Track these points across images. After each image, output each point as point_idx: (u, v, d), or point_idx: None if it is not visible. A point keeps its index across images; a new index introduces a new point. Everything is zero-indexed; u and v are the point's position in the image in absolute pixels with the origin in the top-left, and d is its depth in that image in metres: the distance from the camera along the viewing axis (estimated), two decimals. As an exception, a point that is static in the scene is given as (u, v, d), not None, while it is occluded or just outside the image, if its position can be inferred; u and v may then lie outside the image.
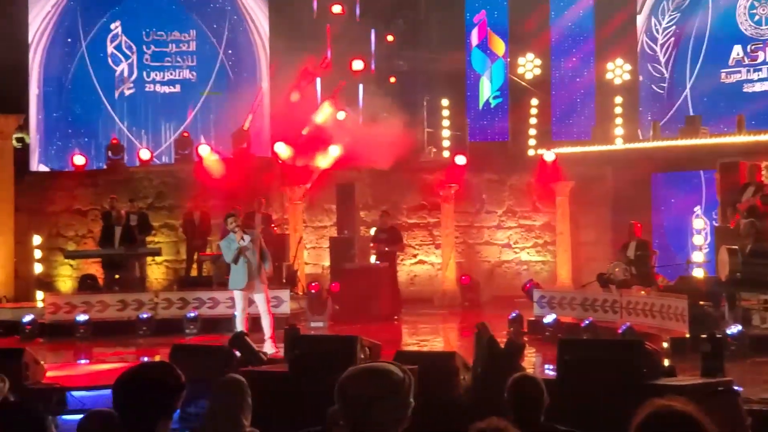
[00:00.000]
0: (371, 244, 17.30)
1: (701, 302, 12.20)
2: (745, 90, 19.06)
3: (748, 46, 19.13)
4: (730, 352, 10.20)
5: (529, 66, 20.24)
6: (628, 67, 19.82)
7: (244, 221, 14.41)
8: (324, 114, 19.13)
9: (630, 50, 20.09)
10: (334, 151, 18.41)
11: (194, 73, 21.44)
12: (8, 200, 18.80)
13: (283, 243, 17.71)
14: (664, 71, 20.09)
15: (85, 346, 14.11)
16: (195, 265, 18.15)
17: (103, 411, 4.66)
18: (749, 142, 16.71)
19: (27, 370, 8.99)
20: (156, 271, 19.19)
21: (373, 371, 2.86)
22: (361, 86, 20.14)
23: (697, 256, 17.11)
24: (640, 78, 20.15)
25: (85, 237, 19.37)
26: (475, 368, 7.91)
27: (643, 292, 13.51)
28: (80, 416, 4.67)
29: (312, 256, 19.34)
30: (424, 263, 19.52)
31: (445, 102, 20.00)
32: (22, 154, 19.95)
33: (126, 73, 21.33)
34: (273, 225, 17.94)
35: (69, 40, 21.15)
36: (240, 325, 11.84)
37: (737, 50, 19.19)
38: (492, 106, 20.57)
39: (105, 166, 19.96)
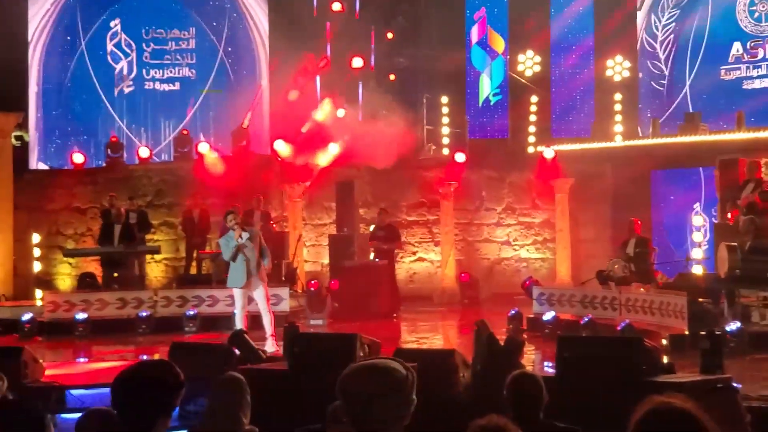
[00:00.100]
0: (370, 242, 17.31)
1: (700, 299, 12.19)
2: (744, 87, 19.05)
3: (748, 43, 19.12)
4: (729, 349, 10.20)
5: (529, 63, 20.23)
6: (627, 64, 19.80)
7: (243, 219, 14.40)
8: (324, 111, 19.12)
9: (630, 47, 20.08)
10: (334, 149, 18.40)
11: (194, 71, 21.44)
12: (7, 198, 18.79)
13: (283, 240, 17.70)
14: (664, 68, 20.08)
15: (85, 345, 14.09)
16: (194, 263, 18.14)
17: (101, 409, 4.66)
18: (749, 139, 16.70)
19: (26, 369, 8.98)
20: (155, 269, 19.19)
21: (376, 368, 2.86)
22: (360, 83, 20.13)
23: (697, 253, 17.11)
24: (640, 75, 20.14)
25: (84, 235, 19.37)
26: (475, 365, 7.91)
27: (642, 289, 13.50)
28: (79, 415, 4.67)
29: (311, 254, 19.34)
30: (424, 261, 19.51)
31: (444, 99, 20.00)
32: (21, 152, 19.96)
33: (125, 71, 21.33)
34: (272, 222, 17.93)
35: (68, 38, 21.16)
36: (239, 323, 11.82)
37: (737, 47, 19.18)
38: (492, 103, 20.55)
39: (104, 164, 19.97)
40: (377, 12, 20.43)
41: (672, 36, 19.96)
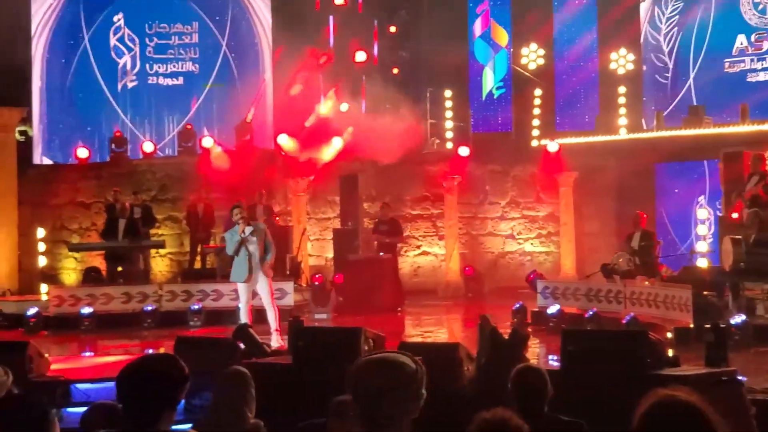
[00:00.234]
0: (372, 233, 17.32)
1: (705, 292, 12.19)
2: (748, 79, 19.01)
3: (752, 36, 19.08)
4: (734, 341, 10.21)
5: (533, 56, 20.20)
6: (631, 56, 19.77)
7: (248, 213, 14.39)
8: (327, 105, 19.11)
9: (633, 40, 20.04)
10: (337, 143, 18.40)
11: (197, 66, 21.43)
12: (12, 193, 18.82)
13: (287, 235, 17.72)
14: (668, 61, 20.04)
15: (90, 339, 14.12)
16: (199, 258, 18.17)
17: (106, 403, 4.67)
18: (753, 132, 16.66)
19: (31, 363, 9.00)
20: (160, 264, 19.21)
21: (386, 362, 2.86)
22: (364, 78, 20.11)
23: (701, 246, 17.07)
24: (644, 68, 20.11)
25: (88, 230, 19.39)
26: (479, 359, 7.92)
27: (647, 283, 13.50)
28: (84, 409, 4.69)
29: (315, 248, 19.34)
30: (428, 254, 19.51)
31: (448, 93, 19.97)
32: (25, 147, 19.98)
33: (129, 66, 21.33)
34: (275, 216, 17.94)
35: (72, 32, 21.15)
36: (244, 317, 11.83)
37: (741, 39, 19.13)
38: (495, 96, 20.53)
39: (108, 159, 19.99)
40: (380, 5, 20.41)
41: (676, 28, 19.92)
